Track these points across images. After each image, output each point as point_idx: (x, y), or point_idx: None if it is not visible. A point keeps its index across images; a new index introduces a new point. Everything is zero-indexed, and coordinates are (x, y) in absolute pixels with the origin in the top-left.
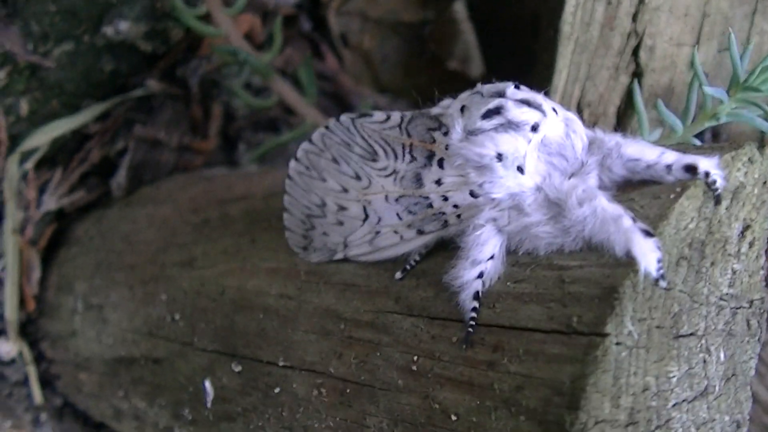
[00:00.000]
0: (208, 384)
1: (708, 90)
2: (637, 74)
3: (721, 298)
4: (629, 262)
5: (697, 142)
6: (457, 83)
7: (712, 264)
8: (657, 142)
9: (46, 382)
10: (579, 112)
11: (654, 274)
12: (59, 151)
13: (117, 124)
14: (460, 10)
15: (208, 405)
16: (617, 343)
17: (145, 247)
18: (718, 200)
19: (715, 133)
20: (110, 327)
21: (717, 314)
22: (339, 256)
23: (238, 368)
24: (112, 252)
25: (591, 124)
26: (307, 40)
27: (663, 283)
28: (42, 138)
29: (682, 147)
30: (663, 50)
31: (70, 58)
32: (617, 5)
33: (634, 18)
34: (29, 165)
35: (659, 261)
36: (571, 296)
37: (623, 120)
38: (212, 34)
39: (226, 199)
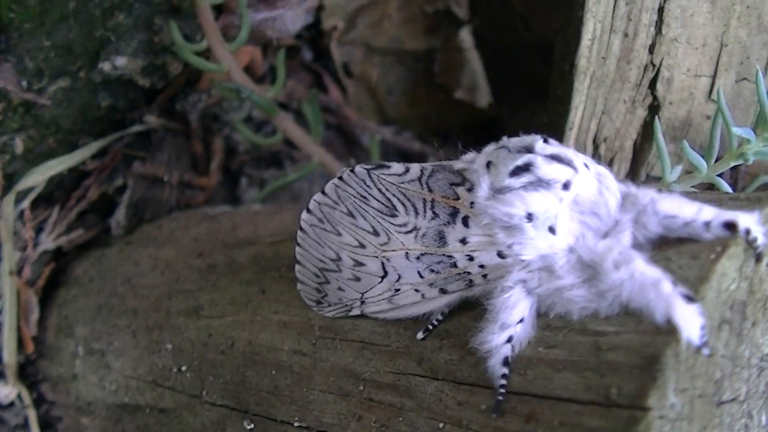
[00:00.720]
0: None
1: (736, 131)
2: (654, 107)
3: (762, 359)
4: (670, 329)
5: (724, 183)
6: (464, 113)
7: (754, 324)
8: (679, 182)
9: (46, 425)
10: (595, 147)
11: (697, 342)
12: (56, 189)
13: (115, 161)
14: (466, 38)
15: None
16: (660, 417)
17: (148, 291)
18: (759, 258)
19: (735, 167)
20: (113, 373)
21: (758, 376)
22: (355, 312)
23: (250, 426)
24: (113, 295)
25: (608, 159)
26: (309, 72)
27: (706, 351)
28: (38, 177)
29: (717, 198)
30: (680, 82)
31: (66, 95)
32: (634, 37)
33: (651, 50)
34: (26, 204)
35: (702, 328)
36: (609, 365)
37: (640, 154)
38: (213, 69)
39: (232, 243)
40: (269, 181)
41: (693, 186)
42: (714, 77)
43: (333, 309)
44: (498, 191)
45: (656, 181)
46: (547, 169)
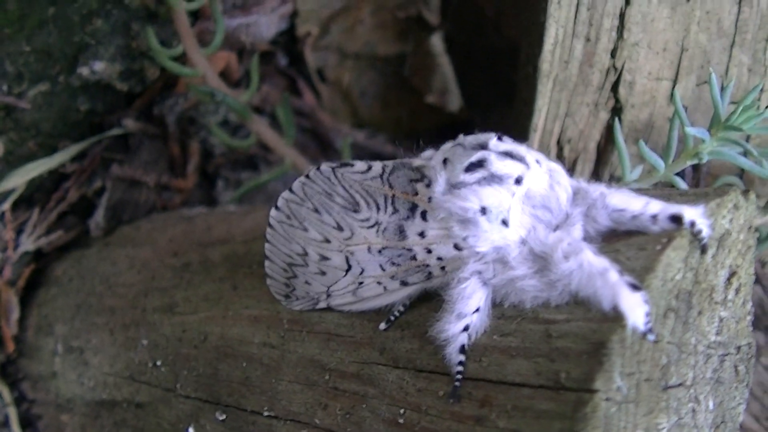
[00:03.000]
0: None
1: (690, 131)
2: (617, 110)
3: (708, 347)
4: (617, 317)
5: (680, 181)
6: (436, 116)
7: (700, 313)
8: (639, 181)
9: (27, 423)
10: (559, 148)
11: (642, 328)
12: (36, 191)
13: (94, 164)
14: (437, 43)
15: None
16: (606, 399)
17: (125, 290)
18: (704, 249)
19: (696, 168)
20: (91, 370)
21: (705, 363)
22: (322, 305)
23: (222, 417)
24: (91, 294)
25: (572, 160)
26: (284, 76)
27: (651, 337)
28: (18, 179)
29: (666, 193)
30: (642, 85)
31: (46, 99)
32: (596, 42)
33: (613, 54)
34: (6, 206)
35: (647, 315)
36: (559, 351)
37: (603, 155)
38: (188, 74)
39: (206, 242)
40: (245, 183)
41: (653, 185)
42: (675, 81)
43: (301, 302)
44: (454, 186)
45: (618, 182)
46: (499, 165)
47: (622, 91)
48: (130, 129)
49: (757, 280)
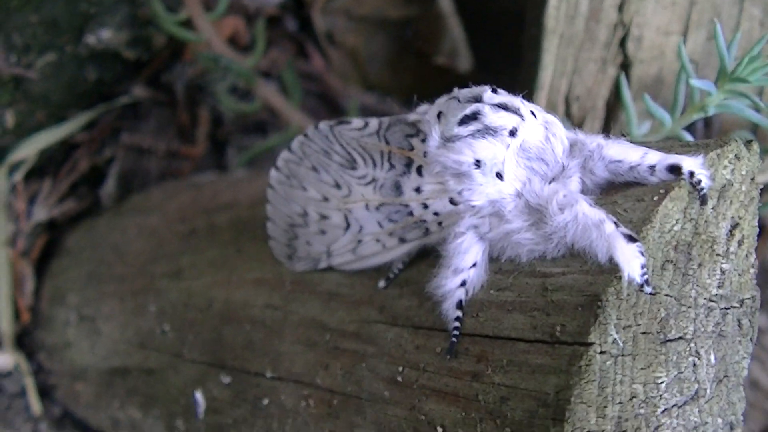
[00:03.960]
0: (198, 395)
1: (695, 83)
2: (625, 66)
3: (710, 300)
4: (612, 269)
5: (688, 135)
6: (446, 79)
7: (700, 265)
8: (647, 136)
9: (44, 393)
10: (567, 106)
11: (638, 280)
12: (47, 162)
13: (104, 133)
14: (446, 5)
15: (200, 416)
16: (602, 353)
17: (134, 258)
18: (704, 200)
19: (708, 123)
20: (103, 338)
21: (706, 316)
22: (323, 265)
23: (227, 380)
24: (102, 263)
25: (580, 118)
26: (293, 41)
27: (648, 289)
28: (29, 150)
29: (668, 144)
30: (651, 40)
31: (54, 69)
32: None
33: (620, 8)
34: (18, 177)
35: (643, 266)
36: (555, 305)
37: (613, 112)
38: (193, 40)
39: (213, 208)
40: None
41: (658, 140)
42: (685, 35)
43: (303, 263)
44: (448, 140)
45: (626, 137)
46: (493, 117)
47: (630, 46)
48: (139, 97)
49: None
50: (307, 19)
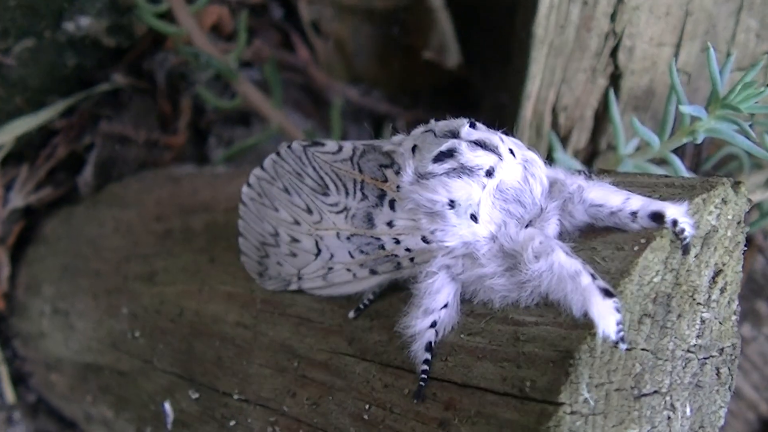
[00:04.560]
0: (167, 406)
1: (686, 109)
2: (616, 76)
3: (688, 351)
4: (587, 323)
5: (675, 159)
6: (433, 74)
7: (679, 316)
8: (634, 156)
9: (19, 379)
10: (554, 116)
11: (613, 337)
12: (25, 147)
13: (83, 120)
14: None
15: (169, 427)
16: (572, 413)
17: (109, 254)
18: (686, 250)
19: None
20: (77, 334)
21: (683, 368)
22: (293, 287)
23: (195, 395)
24: (78, 256)
25: (567, 128)
26: (278, 30)
27: (623, 346)
28: (7, 135)
29: (652, 182)
30: (643, 51)
31: (32, 55)
32: (594, 5)
33: (613, 18)
34: None
35: (619, 323)
36: (526, 357)
37: (601, 124)
38: (173, 33)
39: (190, 208)
40: (237, 140)
41: (647, 160)
42: (678, 46)
43: (273, 282)
44: (422, 176)
45: (614, 151)
46: (470, 156)
47: (621, 56)
48: (120, 84)
49: (761, 251)
50: (293, 7)
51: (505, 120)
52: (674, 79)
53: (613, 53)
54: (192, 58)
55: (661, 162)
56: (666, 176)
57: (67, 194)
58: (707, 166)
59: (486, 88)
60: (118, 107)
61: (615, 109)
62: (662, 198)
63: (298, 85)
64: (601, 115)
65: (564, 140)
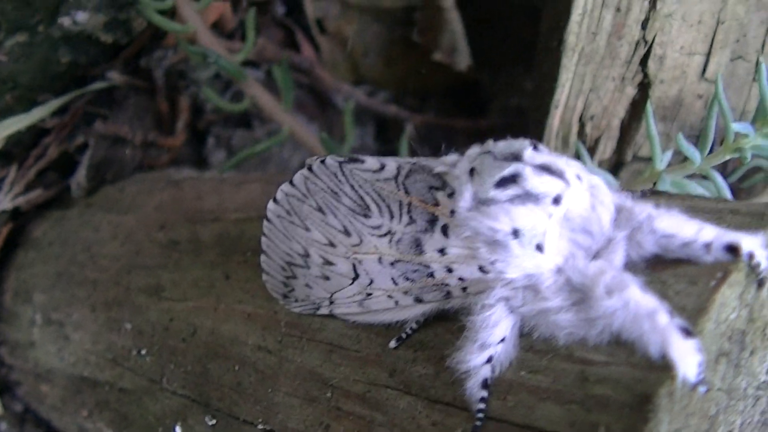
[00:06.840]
0: (179, 430)
1: (735, 126)
2: (645, 85)
3: (758, 388)
4: (664, 365)
5: (717, 176)
6: (442, 75)
7: (752, 353)
8: (670, 171)
9: (5, 388)
10: (581, 125)
11: (693, 379)
12: (14, 147)
13: (76, 119)
14: None
15: None
16: None
17: (108, 262)
18: (761, 283)
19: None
20: (72, 345)
21: (753, 406)
22: (324, 311)
23: (212, 422)
24: (73, 263)
25: (594, 138)
26: (281, 28)
27: (703, 389)
28: None
29: (717, 208)
30: (673, 60)
31: (24, 50)
32: (626, 12)
33: (644, 25)
34: None
35: (700, 365)
36: (596, 400)
37: (628, 133)
38: (178, 30)
39: (196, 217)
40: (237, 142)
41: (686, 176)
42: (708, 55)
43: (300, 305)
44: (482, 202)
45: (644, 162)
46: (536, 182)
47: (651, 65)
48: (116, 82)
49: None
50: (298, 4)
51: (518, 124)
52: (719, 91)
53: (643, 61)
54: (200, 58)
55: (701, 177)
56: (724, 200)
57: (57, 196)
58: (732, 179)
59: (496, 91)
60: (113, 106)
61: (652, 122)
62: (730, 227)
63: (301, 86)
64: (627, 125)
65: (591, 150)
